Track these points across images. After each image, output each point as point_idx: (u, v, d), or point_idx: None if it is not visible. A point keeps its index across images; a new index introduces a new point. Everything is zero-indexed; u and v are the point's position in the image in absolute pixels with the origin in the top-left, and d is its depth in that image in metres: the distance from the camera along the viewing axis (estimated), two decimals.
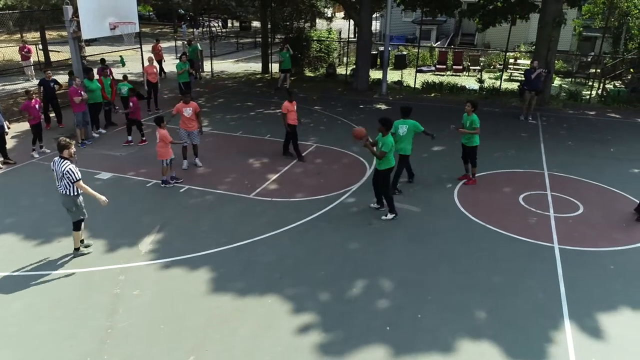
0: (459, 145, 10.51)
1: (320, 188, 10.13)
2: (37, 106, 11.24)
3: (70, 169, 7.01)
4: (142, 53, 18.98)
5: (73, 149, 7.21)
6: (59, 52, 28.24)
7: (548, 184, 10.48)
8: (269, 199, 9.62)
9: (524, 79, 15.84)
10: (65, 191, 7.10)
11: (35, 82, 20.32)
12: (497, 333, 6.02)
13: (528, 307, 6.52)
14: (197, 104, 11.09)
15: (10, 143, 12.01)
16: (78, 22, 11.74)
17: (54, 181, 7.32)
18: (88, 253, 7.51)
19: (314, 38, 23.24)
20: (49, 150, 11.80)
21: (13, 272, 7.06)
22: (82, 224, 7.45)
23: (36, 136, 11.52)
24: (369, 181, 10.39)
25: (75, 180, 7.02)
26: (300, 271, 7.26)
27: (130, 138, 12.62)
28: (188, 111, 10.72)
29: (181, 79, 16.03)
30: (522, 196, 9.84)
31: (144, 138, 12.68)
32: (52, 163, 7.30)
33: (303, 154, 11.84)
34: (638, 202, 9.17)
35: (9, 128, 11.64)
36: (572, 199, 9.77)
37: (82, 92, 12.00)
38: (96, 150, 12.18)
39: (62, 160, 7.09)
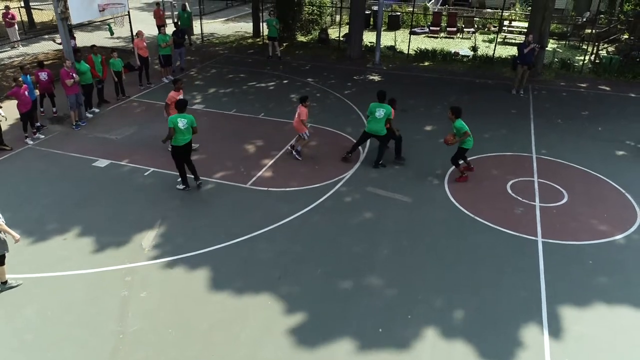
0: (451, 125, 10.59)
1: (315, 175, 10.38)
2: (26, 93, 11.13)
3: None
4: (130, 19, 18.48)
5: None
6: (42, 9, 27.33)
7: (535, 170, 10.81)
8: (265, 188, 9.88)
9: (517, 52, 15.78)
10: None
11: (22, 49, 19.93)
12: (480, 333, 6.52)
13: (510, 305, 7.01)
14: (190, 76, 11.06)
15: (2, 126, 11.99)
16: (65, 2, 11.44)
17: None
18: (17, 285, 7.17)
19: (306, 1, 22.62)
20: (43, 136, 11.85)
21: (22, 274, 7.38)
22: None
23: (26, 123, 11.47)
24: (362, 168, 10.70)
25: None
26: (297, 269, 7.66)
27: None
28: (181, 97, 10.73)
29: (162, 52, 15.70)
30: (509, 184, 10.18)
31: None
32: None
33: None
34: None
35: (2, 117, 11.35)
36: (557, 186, 10.13)
37: (74, 75, 11.90)
38: (91, 133, 12.23)
39: None
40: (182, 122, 9.25)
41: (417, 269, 7.72)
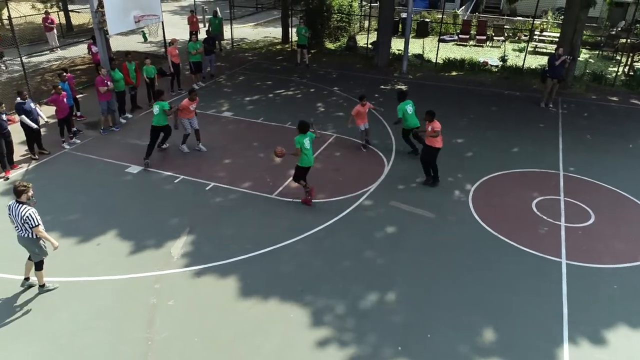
0: (480, 138, 10.57)
1: (339, 187, 10.52)
2: (64, 100, 11.61)
3: (29, 214, 6.84)
4: (163, 26, 18.94)
5: (30, 192, 7.00)
6: (79, 12, 28.24)
7: (562, 187, 10.71)
8: (290, 199, 10.08)
9: (547, 64, 15.59)
10: (27, 234, 6.97)
11: (60, 52, 20.65)
12: (500, 356, 6.56)
13: (530, 329, 7.02)
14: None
15: (41, 131, 12.50)
16: (103, 14, 11.87)
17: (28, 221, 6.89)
18: (54, 288, 7.54)
19: (335, 9, 22.78)
20: (79, 141, 12.32)
21: (58, 277, 7.75)
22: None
23: (63, 128, 11.97)
24: (387, 181, 10.78)
25: (34, 225, 6.88)
26: (319, 283, 7.82)
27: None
28: (194, 106, 11.63)
29: (192, 59, 16.12)
30: (535, 202, 10.12)
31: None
32: (7, 208, 7.03)
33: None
34: None
35: (42, 119, 11.77)
36: (584, 205, 10.03)
37: (108, 82, 12.33)
38: (124, 139, 12.66)
39: (20, 205, 6.87)
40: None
41: (438, 287, 7.79)
